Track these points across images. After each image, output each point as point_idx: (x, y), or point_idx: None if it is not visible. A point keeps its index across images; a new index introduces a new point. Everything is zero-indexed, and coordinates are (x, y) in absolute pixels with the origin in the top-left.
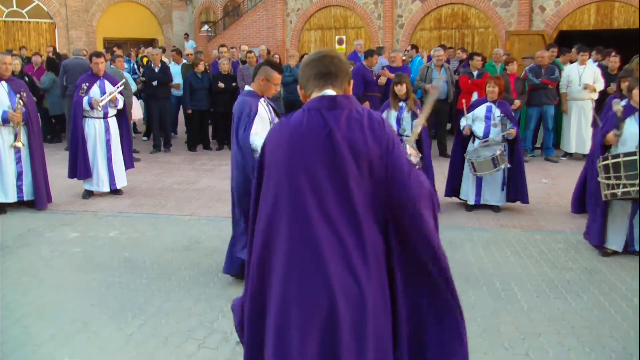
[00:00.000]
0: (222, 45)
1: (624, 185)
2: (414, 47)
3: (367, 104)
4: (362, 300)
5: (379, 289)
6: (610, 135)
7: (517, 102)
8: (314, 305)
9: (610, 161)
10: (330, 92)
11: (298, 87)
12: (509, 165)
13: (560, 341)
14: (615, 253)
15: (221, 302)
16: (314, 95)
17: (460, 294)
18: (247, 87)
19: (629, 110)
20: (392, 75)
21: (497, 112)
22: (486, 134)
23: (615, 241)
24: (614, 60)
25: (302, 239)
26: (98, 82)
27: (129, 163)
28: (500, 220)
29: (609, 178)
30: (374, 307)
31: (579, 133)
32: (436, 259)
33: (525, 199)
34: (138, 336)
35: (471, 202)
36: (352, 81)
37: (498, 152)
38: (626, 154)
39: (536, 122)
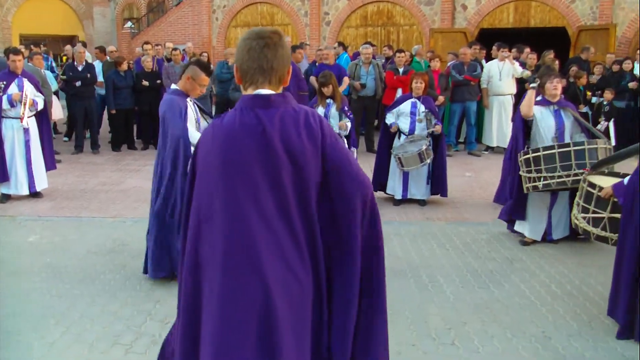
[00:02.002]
0: (146, 43)
1: (545, 178)
2: (341, 44)
3: None
4: (302, 297)
5: (315, 285)
6: (528, 97)
7: (441, 98)
8: (251, 305)
9: (530, 155)
10: (265, 90)
11: (235, 67)
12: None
13: (484, 329)
14: (534, 242)
15: (148, 305)
16: (249, 91)
17: (388, 287)
18: (173, 86)
19: (543, 104)
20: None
21: (421, 107)
22: (411, 129)
23: (534, 231)
24: (531, 57)
25: (238, 238)
26: (16, 80)
27: (50, 164)
28: (426, 213)
29: (530, 172)
30: (312, 304)
31: (499, 127)
32: (379, 250)
33: (444, 193)
34: (61, 344)
35: (398, 196)
36: (291, 68)
37: (424, 147)
38: (545, 148)
39: (459, 118)
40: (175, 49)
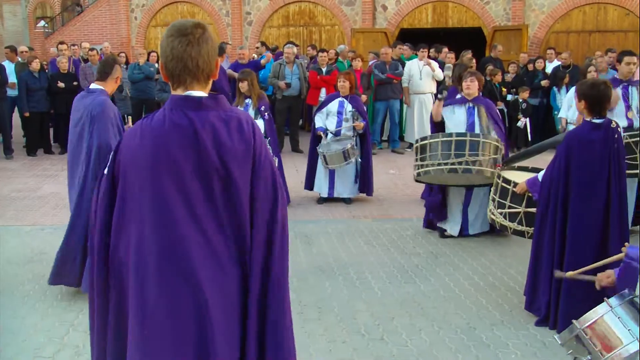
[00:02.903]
0: (62, 43)
1: (426, 165)
2: (264, 44)
3: None
4: (234, 300)
5: (243, 287)
6: (435, 106)
7: (364, 97)
8: (186, 311)
9: (419, 143)
10: (197, 92)
11: (160, 65)
12: (359, 160)
13: (412, 323)
14: (452, 236)
15: (71, 315)
16: (179, 91)
17: (317, 285)
18: (97, 86)
19: (459, 102)
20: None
21: (348, 107)
22: (338, 128)
23: (451, 227)
24: (450, 57)
25: (170, 243)
26: None
27: None
28: (353, 211)
29: (417, 160)
30: (240, 305)
31: (420, 125)
32: (285, 259)
33: (370, 192)
34: None
35: (324, 194)
36: (219, 61)
37: (349, 146)
38: (432, 137)
39: (383, 116)
40: (92, 49)
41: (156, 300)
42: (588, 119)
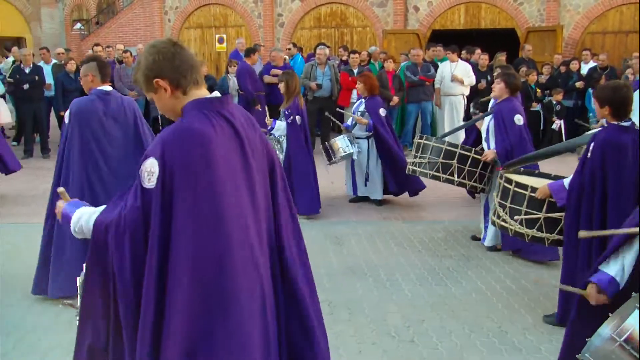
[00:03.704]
0: (97, 44)
1: (414, 164)
2: (295, 45)
3: (258, 107)
4: (272, 298)
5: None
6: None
7: (396, 99)
8: (258, 303)
9: (417, 140)
10: (214, 93)
11: (162, 82)
12: (354, 157)
13: (443, 325)
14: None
15: None
16: (193, 91)
17: (347, 286)
18: (109, 87)
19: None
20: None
21: (361, 107)
22: (350, 126)
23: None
24: (483, 58)
25: (243, 239)
26: None
27: (13, 164)
28: (383, 213)
29: (414, 156)
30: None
31: (451, 126)
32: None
33: (421, 186)
34: (13, 355)
35: (349, 193)
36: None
37: (332, 141)
38: (427, 138)
39: (415, 118)
40: (126, 51)
41: (241, 291)
42: (615, 123)
